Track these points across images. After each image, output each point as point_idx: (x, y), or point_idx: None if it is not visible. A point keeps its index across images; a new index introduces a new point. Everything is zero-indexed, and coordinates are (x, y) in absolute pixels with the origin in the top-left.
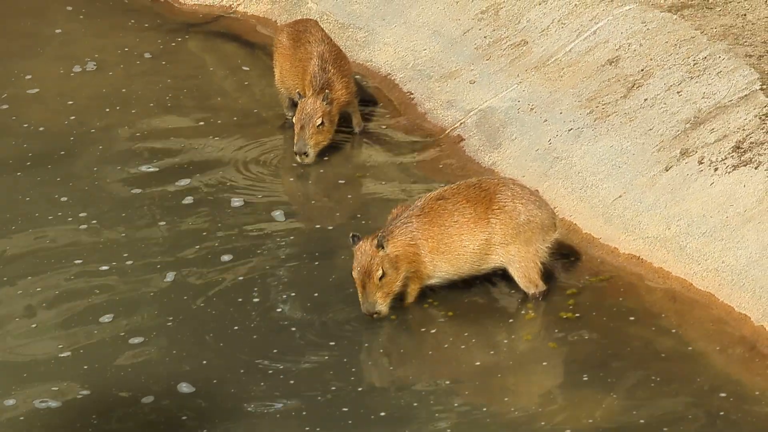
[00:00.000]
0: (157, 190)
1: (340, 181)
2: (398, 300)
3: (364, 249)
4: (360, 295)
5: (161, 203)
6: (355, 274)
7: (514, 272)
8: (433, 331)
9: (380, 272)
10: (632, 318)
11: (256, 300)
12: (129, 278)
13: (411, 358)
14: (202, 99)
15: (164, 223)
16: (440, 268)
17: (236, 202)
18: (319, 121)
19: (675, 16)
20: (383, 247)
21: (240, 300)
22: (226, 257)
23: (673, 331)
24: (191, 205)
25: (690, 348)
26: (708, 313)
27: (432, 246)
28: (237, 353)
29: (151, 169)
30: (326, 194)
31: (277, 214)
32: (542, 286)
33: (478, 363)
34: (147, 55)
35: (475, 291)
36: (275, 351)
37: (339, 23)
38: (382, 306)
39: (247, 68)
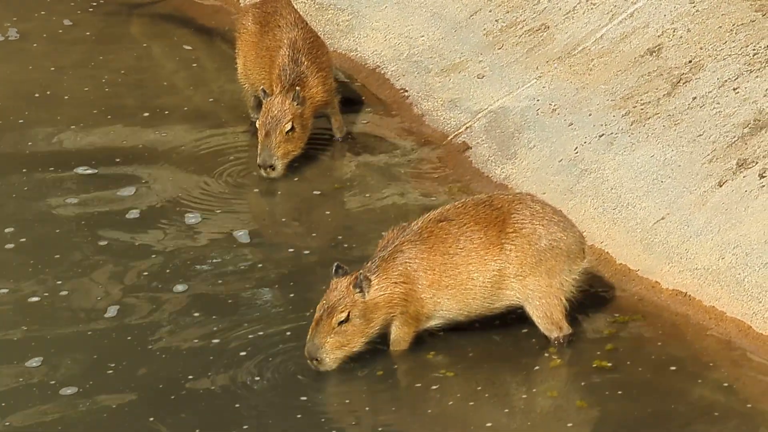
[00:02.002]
0: (97, 202)
1: (318, 198)
2: (381, 344)
3: (339, 285)
4: (310, 331)
5: (102, 217)
6: (318, 306)
7: (532, 311)
8: (435, 387)
9: (343, 316)
10: (677, 368)
11: (215, 341)
12: (62, 312)
13: (404, 419)
14: (148, 97)
15: (105, 242)
16: (443, 306)
17: (192, 218)
18: (288, 126)
19: None
20: (362, 292)
21: (195, 341)
22: (179, 287)
23: (728, 385)
24: (137, 221)
25: (749, 406)
26: None
27: (432, 279)
28: (191, 409)
29: (89, 172)
30: (301, 212)
31: (241, 234)
32: (567, 329)
33: (489, 424)
34: (80, 42)
35: (488, 335)
36: (237, 406)
37: (316, 3)
38: (328, 356)
39: (203, 59)
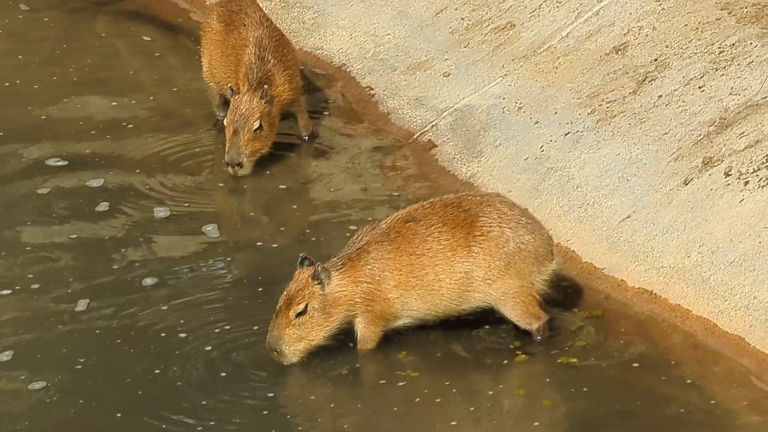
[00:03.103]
0: (67, 195)
1: (285, 194)
2: (341, 341)
3: (300, 276)
4: (271, 322)
5: (73, 210)
6: (280, 297)
7: (508, 312)
8: (401, 384)
9: (301, 308)
10: (643, 367)
11: (183, 335)
12: (33, 306)
13: (370, 417)
14: (113, 94)
15: (75, 235)
16: (410, 306)
17: (160, 212)
18: (256, 125)
19: None
20: (321, 284)
21: (163, 335)
22: (148, 281)
23: (693, 382)
24: (106, 214)
25: (713, 402)
26: (736, 361)
27: (399, 279)
28: (158, 403)
29: (60, 163)
30: (268, 208)
31: (210, 228)
32: (545, 315)
33: (454, 422)
34: (46, 40)
35: (455, 333)
36: (204, 403)
37: (282, 1)
38: (288, 348)
39: (168, 57)
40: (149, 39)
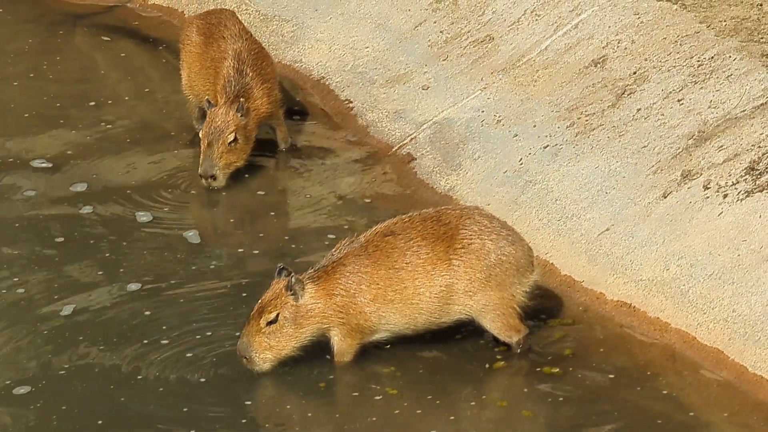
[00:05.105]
0: (51, 199)
1: (265, 204)
2: (319, 353)
3: (275, 286)
4: (243, 329)
5: (57, 215)
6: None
7: (488, 324)
8: (378, 397)
9: (272, 316)
10: (622, 379)
11: (165, 342)
12: (18, 310)
13: (347, 428)
14: (93, 108)
15: (60, 239)
16: (388, 320)
17: (143, 217)
18: (230, 138)
19: (675, 6)
20: (295, 295)
21: (146, 341)
22: (132, 286)
23: (671, 394)
24: (90, 218)
25: (691, 414)
26: (715, 374)
27: (377, 293)
28: (140, 410)
29: (45, 165)
30: (248, 215)
31: (191, 234)
32: (525, 329)
33: None
34: (24, 54)
35: (438, 342)
36: (185, 410)
37: (261, 14)
38: (257, 355)
39: (148, 69)
40: (128, 51)
